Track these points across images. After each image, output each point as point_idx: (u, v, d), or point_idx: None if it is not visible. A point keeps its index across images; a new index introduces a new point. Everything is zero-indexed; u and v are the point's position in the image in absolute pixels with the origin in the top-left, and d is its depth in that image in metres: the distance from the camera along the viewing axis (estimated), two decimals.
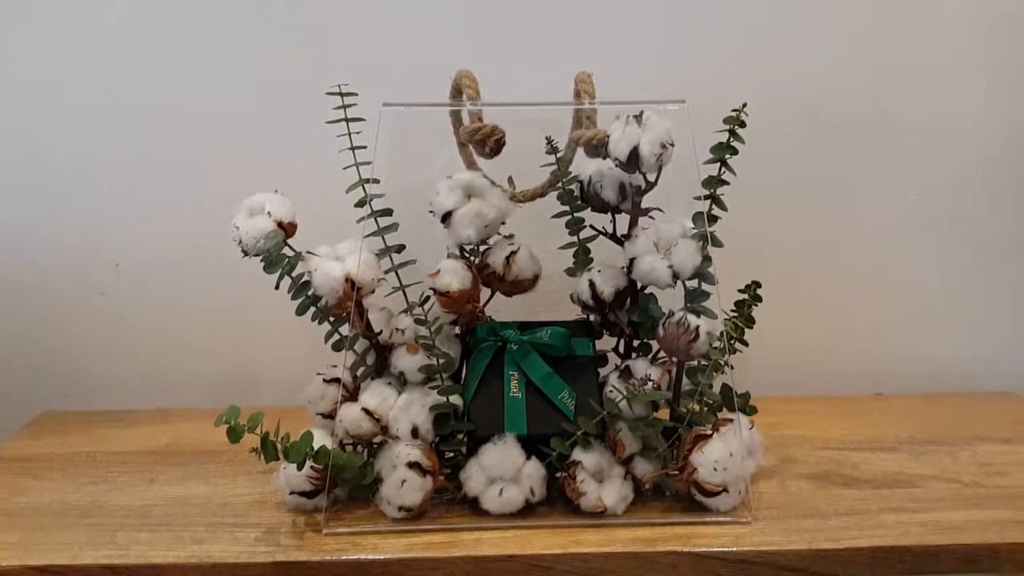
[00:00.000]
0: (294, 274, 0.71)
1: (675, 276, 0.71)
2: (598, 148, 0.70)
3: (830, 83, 0.90)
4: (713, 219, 0.73)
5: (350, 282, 0.68)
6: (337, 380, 0.75)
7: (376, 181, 0.74)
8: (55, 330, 0.95)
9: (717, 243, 0.73)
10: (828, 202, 0.94)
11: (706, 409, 0.75)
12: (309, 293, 0.72)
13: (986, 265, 0.97)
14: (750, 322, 0.78)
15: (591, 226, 0.76)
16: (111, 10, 0.87)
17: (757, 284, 0.78)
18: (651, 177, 0.71)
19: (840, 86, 0.91)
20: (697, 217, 0.72)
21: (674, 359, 0.73)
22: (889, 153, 0.94)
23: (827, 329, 0.98)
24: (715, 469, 0.69)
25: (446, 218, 0.72)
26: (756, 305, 0.78)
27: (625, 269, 0.74)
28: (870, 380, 0.98)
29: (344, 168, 0.73)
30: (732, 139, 0.71)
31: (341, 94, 0.72)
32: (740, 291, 0.78)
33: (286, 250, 0.71)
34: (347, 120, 0.73)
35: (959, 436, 0.86)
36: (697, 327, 0.71)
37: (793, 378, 0.96)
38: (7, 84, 0.89)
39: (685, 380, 0.76)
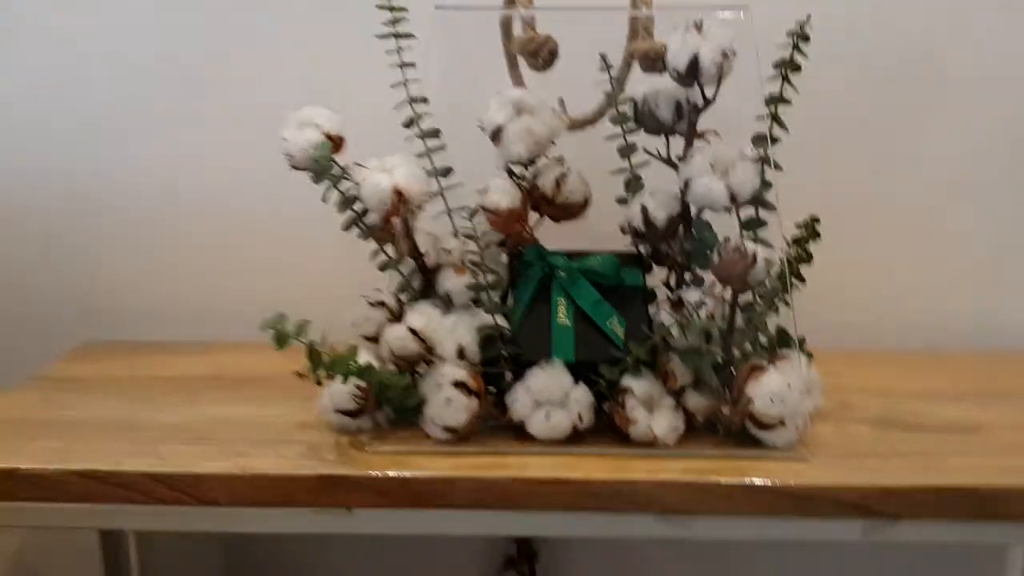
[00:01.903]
0: (342, 187, 0.70)
1: (732, 198, 0.68)
2: (655, 61, 0.67)
3: (890, 20, 0.87)
4: (774, 140, 0.70)
5: (398, 193, 0.67)
6: (382, 303, 0.73)
7: (425, 100, 0.73)
8: (98, 263, 0.95)
9: (777, 167, 0.70)
10: (885, 145, 0.90)
11: (761, 348, 0.72)
12: (356, 208, 0.71)
13: None
14: (808, 257, 0.75)
15: (644, 149, 0.73)
16: None
17: (816, 219, 0.75)
18: (710, 92, 0.68)
19: (899, 24, 0.87)
20: (757, 139, 0.69)
21: (729, 289, 0.71)
22: (950, 97, 0.90)
23: (880, 280, 0.94)
24: (772, 401, 0.66)
25: (496, 134, 0.70)
26: (814, 240, 0.75)
27: (679, 194, 0.72)
28: (924, 334, 0.94)
29: (392, 86, 0.72)
30: (796, 54, 0.68)
31: (391, 8, 0.70)
32: (798, 226, 0.75)
33: (334, 164, 0.70)
34: (396, 35, 0.71)
35: (1021, 387, 0.82)
36: (755, 252, 0.68)
37: (844, 330, 0.92)
38: (51, 13, 0.89)
39: (739, 317, 0.73)
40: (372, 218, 0.72)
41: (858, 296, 0.94)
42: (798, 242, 0.75)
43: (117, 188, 0.93)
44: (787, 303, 0.72)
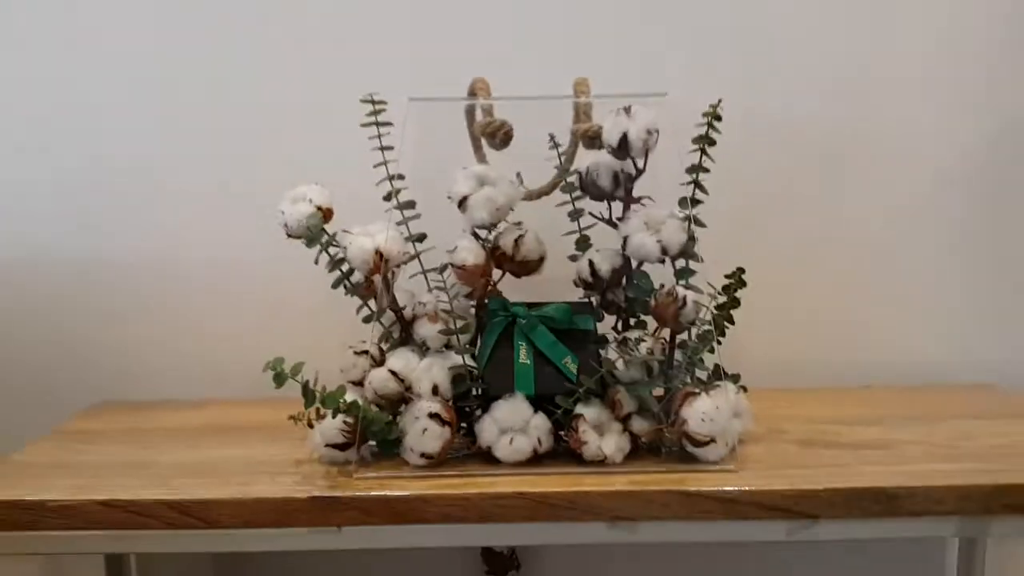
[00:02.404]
0: (330, 251, 0.82)
1: (663, 251, 0.80)
2: (594, 139, 0.80)
3: (806, 87, 1.01)
4: (696, 202, 0.83)
5: (379, 254, 0.79)
6: (366, 352, 0.84)
7: (401, 177, 0.85)
8: (105, 328, 1.05)
9: (700, 224, 0.83)
10: (809, 205, 1.03)
11: (698, 381, 0.83)
12: (343, 269, 0.82)
13: (970, 264, 1.05)
14: (735, 302, 0.87)
15: (590, 213, 0.86)
16: (159, 24, 1.00)
17: (741, 270, 0.87)
18: (640, 163, 0.81)
19: (815, 91, 1.01)
20: (682, 201, 0.82)
21: (666, 329, 0.82)
22: (867, 155, 1.03)
23: (815, 326, 1.06)
24: (703, 420, 0.76)
25: (462, 203, 0.82)
26: (741, 288, 0.87)
27: (620, 250, 0.84)
28: (858, 375, 1.06)
29: (375, 165, 0.85)
30: (710, 130, 0.82)
31: (372, 101, 0.84)
32: (727, 276, 0.87)
33: (324, 231, 0.82)
34: (377, 124, 0.84)
35: (937, 414, 0.93)
36: (684, 296, 0.79)
37: (783, 370, 1.04)
38: (66, 95, 1.02)
39: (677, 353, 0.85)
40: (357, 277, 0.83)
41: (794, 339, 1.06)
42: (727, 290, 0.87)
43: (125, 264, 1.04)
44: (719, 341, 0.84)
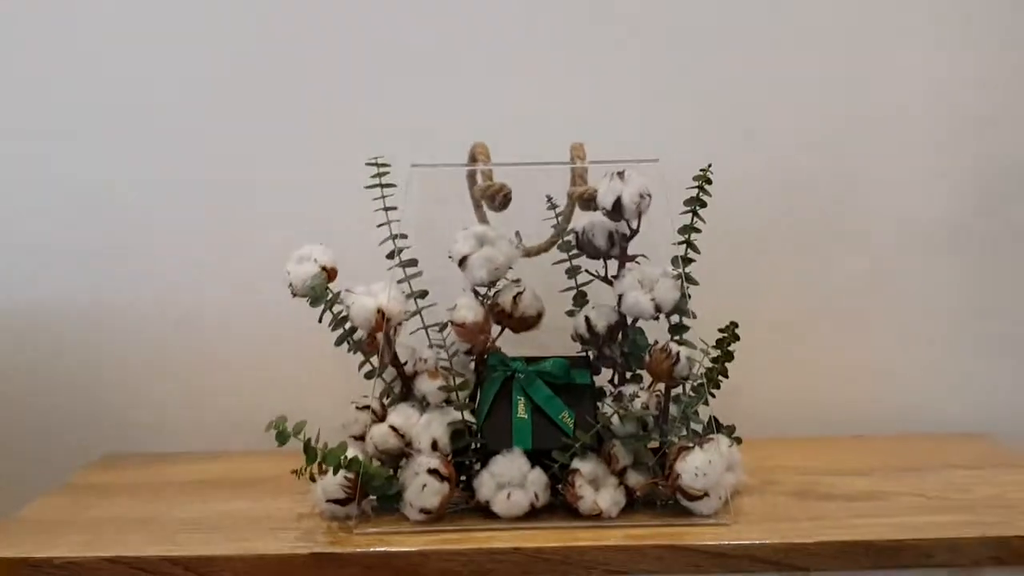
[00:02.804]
0: (334, 310, 0.84)
1: (657, 308, 0.83)
2: (589, 201, 0.83)
3: (795, 145, 1.04)
4: (688, 261, 0.85)
5: (381, 313, 0.81)
6: (368, 407, 0.86)
7: (404, 236, 0.89)
8: (115, 380, 1.07)
9: (693, 281, 0.85)
10: (801, 259, 1.06)
11: (693, 434, 0.85)
12: (346, 327, 0.85)
13: (963, 313, 1.07)
14: (729, 356, 0.89)
15: (586, 271, 0.89)
16: (168, 74, 1.03)
17: (734, 324, 0.89)
18: (633, 224, 0.84)
19: (805, 149, 1.04)
20: (674, 259, 0.85)
21: (661, 384, 0.84)
22: (859, 209, 1.06)
23: (809, 376, 1.08)
24: (696, 475, 0.78)
25: (463, 262, 0.85)
26: (735, 342, 0.89)
27: (616, 307, 0.86)
28: (850, 424, 1.07)
29: (378, 226, 0.88)
30: (701, 193, 0.85)
31: (377, 164, 0.87)
32: (720, 330, 0.89)
33: (328, 291, 0.85)
34: (381, 186, 0.87)
35: (929, 464, 0.94)
36: (678, 352, 0.82)
37: (778, 422, 1.05)
38: (70, 149, 1.05)
39: (672, 407, 0.87)
40: (360, 334, 0.86)
41: (788, 389, 1.07)
42: (721, 343, 0.89)
43: (134, 319, 1.07)
44: (712, 395, 0.86)
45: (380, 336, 0.83)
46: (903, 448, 1.00)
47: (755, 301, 1.04)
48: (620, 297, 0.84)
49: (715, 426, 0.87)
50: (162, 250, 1.06)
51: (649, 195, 0.82)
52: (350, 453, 0.79)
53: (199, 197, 1.05)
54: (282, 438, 0.75)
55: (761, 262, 1.05)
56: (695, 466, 0.78)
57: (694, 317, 0.85)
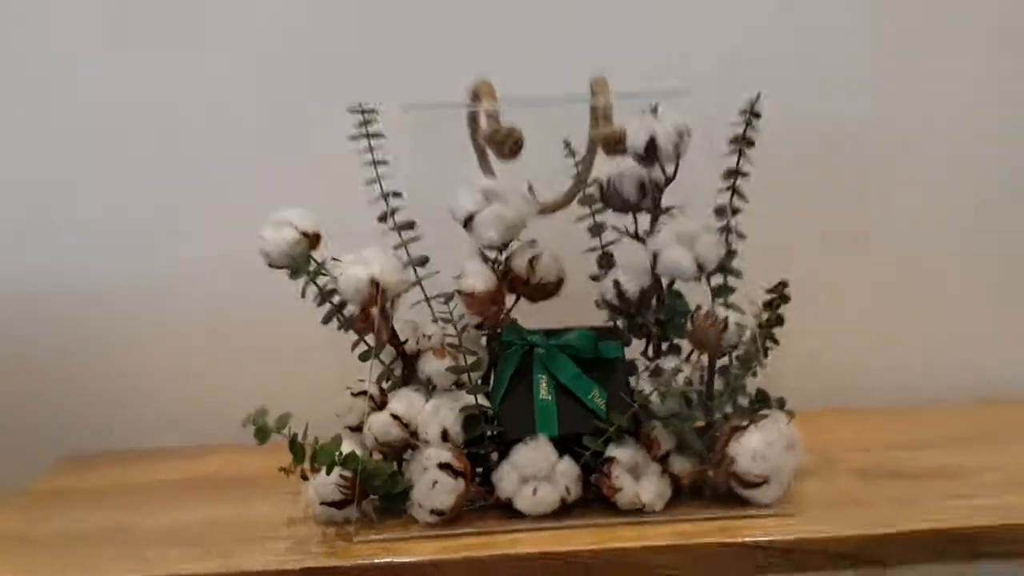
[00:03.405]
0: (319, 282, 0.72)
1: (700, 267, 0.71)
2: (616, 144, 0.71)
3: (846, 82, 0.92)
4: (735, 211, 0.73)
5: (375, 283, 0.69)
6: (365, 392, 0.74)
7: (398, 194, 0.76)
8: (81, 371, 0.95)
9: (740, 235, 0.73)
10: (852, 208, 0.94)
11: (741, 410, 0.74)
12: (334, 301, 0.73)
13: None
14: (779, 320, 0.77)
15: (613, 227, 0.77)
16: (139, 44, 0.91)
17: (784, 284, 0.78)
18: (669, 169, 0.72)
19: (857, 87, 0.92)
20: (719, 210, 0.73)
21: (704, 355, 0.72)
22: (914, 155, 0.94)
23: (862, 338, 0.96)
24: (754, 459, 0.67)
25: (468, 221, 0.73)
26: (785, 304, 0.78)
27: (649, 267, 0.74)
28: (908, 389, 0.96)
29: (367, 183, 0.75)
30: (749, 129, 0.72)
31: (362, 111, 0.74)
32: (768, 291, 0.78)
33: (311, 260, 0.73)
34: (368, 136, 0.75)
35: (1008, 434, 0.83)
36: (726, 318, 0.70)
37: (830, 389, 0.94)
38: (35, 130, 0.93)
39: (717, 380, 0.75)
40: (351, 310, 0.74)
41: (838, 352, 0.96)
42: (769, 306, 0.77)
43: (98, 294, 0.94)
44: (763, 364, 0.74)
45: (375, 311, 0.71)
46: (971, 417, 0.89)
47: (803, 258, 0.92)
48: (655, 256, 0.72)
49: (765, 400, 0.76)
50: (124, 221, 0.94)
51: (689, 133, 0.70)
52: (346, 448, 0.68)
53: (161, 162, 0.93)
54: (262, 435, 0.63)
55: (808, 209, 0.93)
56: (752, 448, 0.67)
57: (740, 276, 0.74)
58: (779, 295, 0.78)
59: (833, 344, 0.96)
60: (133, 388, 0.95)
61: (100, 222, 0.94)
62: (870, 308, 0.96)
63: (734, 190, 0.73)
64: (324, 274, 0.72)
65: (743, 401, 0.74)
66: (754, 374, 0.75)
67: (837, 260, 0.94)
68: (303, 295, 0.72)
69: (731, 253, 0.73)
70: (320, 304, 0.73)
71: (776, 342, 0.77)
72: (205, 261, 0.93)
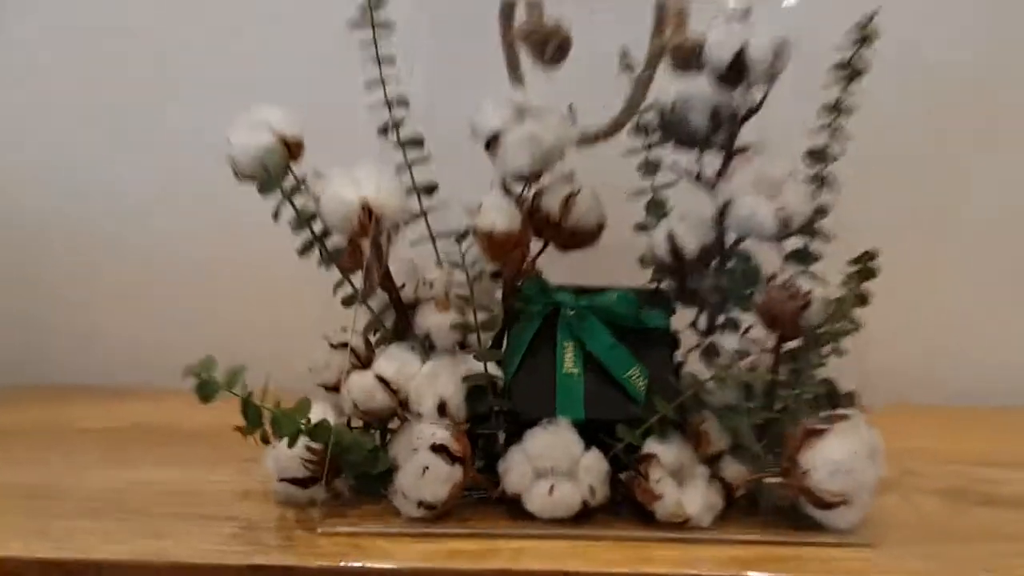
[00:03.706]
0: (297, 202, 0.57)
1: (783, 224, 0.55)
2: (690, 57, 0.55)
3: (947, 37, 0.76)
4: (832, 157, 0.58)
5: (368, 211, 0.54)
6: (347, 345, 0.60)
7: (405, 103, 0.61)
8: (28, 293, 0.82)
9: (835, 188, 0.58)
10: (950, 171, 0.78)
11: (806, 405, 0.59)
12: (315, 228, 0.58)
13: None
14: (863, 299, 0.62)
15: (672, 166, 0.61)
16: None
17: (871, 255, 0.63)
18: (756, 95, 0.56)
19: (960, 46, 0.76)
20: (813, 154, 0.57)
21: (775, 335, 0.58)
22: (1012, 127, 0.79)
23: (947, 325, 0.82)
24: (835, 473, 0.52)
25: (492, 142, 0.57)
26: (870, 279, 0.63)
27: (714, 219, 0.59)
28: (986, 390, 0.82)
29: (367, 84, 0.60)
30: (857, 56, 0.57)
31: None
32: (850, 262, 0.63)
33: (289, 173, 0.57)
34: (373, 25, 0.59)
35: None
36: (809, 291, 0.55)
37: (902, 383, 0.79)
38: None
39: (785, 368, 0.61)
40: (336, 241, 0.59)
41: (919, 343, 0.81)
42: (852, 279, 0.62)
43: (49, 207, 0.81)
44: (839, 351, 0.60)
45: (365, 244, 0.56)
46: None
47: (885, 219, 0.76)
48: (725, 205, 0.57)
49: (837, 396, 0.61)
50: (61, 131, 0.78)
51: (789, 50, 0.54)
52: (316, 413, 0.54)
53: (113, 61, 0.77)
54: (205, 391, 0.49)
55: (897, 169, 0.78)
56: (833, 460, 0.52)
57: (830, 241, 0.59)
58: (863, 267, 0.63)
59: (912, 329, 0.81)
60: (81, 318, 0.82)
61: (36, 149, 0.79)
62: (960, 291, 0.81)
63: (833, 130, 0.58)
64: (304, 193, 0.57)
65: (814, 396, 0.59)
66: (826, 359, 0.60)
67: (927, 234, 0.79)
68: (275, 217, 0.57)
69: (820, 211, 0.57)
70: (297, 230, 0.57)
71: (857, 325, 0.62)
72: (164, 169, 0.79)
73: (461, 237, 0.56)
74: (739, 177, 0.56)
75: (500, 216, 0.57)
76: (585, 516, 0.54)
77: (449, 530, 0.53)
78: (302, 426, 0.52)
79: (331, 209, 0.55)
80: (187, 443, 0.67)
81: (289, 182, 0.57)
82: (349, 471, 0.56)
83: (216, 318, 0.80)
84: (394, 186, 0.56)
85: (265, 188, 0.56)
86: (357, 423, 0.59)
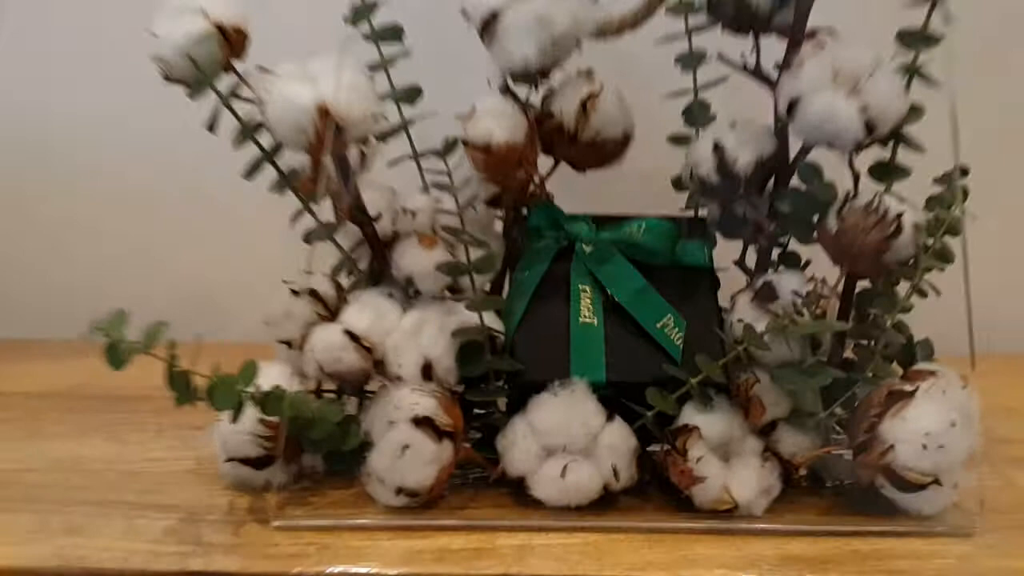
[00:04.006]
0: (239, 109, 0.44)
1: (869, 127, 0.43)
2: None
3: None
4: (933, 39, 0.45)
5: (326, 116, 0.41)
6: (312, 292, 0.49)
7: None
8: None
9: (931, 82, 0.45)
10: None
11: (884, 362, 0.48)
12: (263, 143, 0.45)
13: None
14: (953, 226, 0.50)
15: (720, 56, 0.48)
16: None
17: (964, 170, 0.50)
18: None
19: None
20: (905, 36, 0.44)
21: (851, 272, 0.46)
22: None
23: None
24: (926, 448, 0.41)
25: (488, 25, 0.44)
26: (961, 203, 0.50)
27: (775, 125, 0.47)
28: None
29: None
30: None
31: None
32: (936, 180, 0.50)
33: (230, 69, 0.45)
34: None
35: None
36: (900, 215, 0.43)
37: (981, 330, 0.68)
38: None
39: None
40: (290, 158, 0.47)
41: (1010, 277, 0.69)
42: (937, 203, 0.50)
43: None
44: (923, 292, 0.48)
45: (328, 162, 0.44)
46: None
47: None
48: (791, 104, 0.44)
49: (913, 348, 0.50)
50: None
51: None
52: (266, 380, 0.43)
53: None
54: (115, 355, 0.37)
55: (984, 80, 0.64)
56: (924, 432, 0.41)
57: (923, 151, 0.46)
58: (953, 189, 0.50)
59: (1003, 262, 0.68)
60: (11, 264, 0.71)
61: None
62: None
63: (934, 4, 0.44)
64: (246, 98, 0.45)
65: (895, 349, 0.48)
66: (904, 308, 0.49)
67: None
68: (211, 128, 0.45)
69: (914, 110, 0.45)
70: (239, 144, 0.45)
71: (947, 260, 0.50)
72: (89, 96, 0.66)
73: (445, 150, 0.43)
74: (812, 67, 0.43)
75: (499, 124, 0.45)
76: (607, 503, 0.43)
77: (436, 522, 0.42)
78: (244, 395, 0.40)
79: (279, 116, 0.42)
80: (119, 409, 0.56)
81: (226, 81, 0.44)
82: (313, 448, 0.45)
83: (157, 260, 0.68)
84: (362, 85, 0.43)
85: (196, 89, 0.43)
86: (323, 393, 0.48)
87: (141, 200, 0.69)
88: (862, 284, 0.50)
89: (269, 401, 0.42)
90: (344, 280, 0.50)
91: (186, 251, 0.69)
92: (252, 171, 0.46)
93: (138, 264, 0.70)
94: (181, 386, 0.39)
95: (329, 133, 0.41)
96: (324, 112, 0.41)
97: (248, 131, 0.44)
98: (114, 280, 0.69)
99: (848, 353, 0.50)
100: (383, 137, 0.49)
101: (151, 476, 0.48)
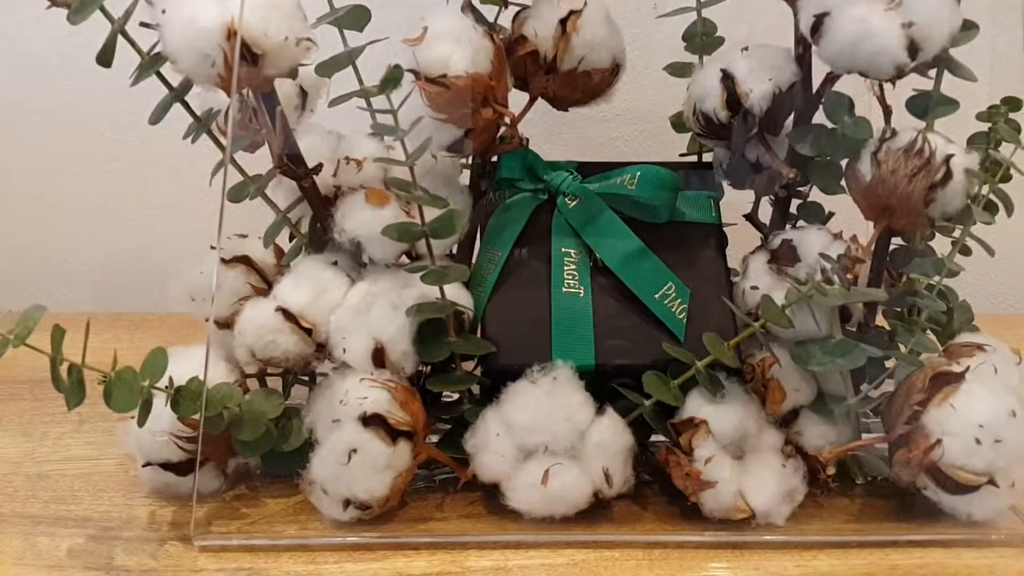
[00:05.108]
0: (135, 39, 0.36)
1: (912, 50, 0.35)
2: None
3: None
4: None
5: (233, 36, 0.33)
6: (244, 259, 0.41)
7: None
8: None
9: None
10: None
11: (919, 328, 0.40)
12: (171, 81, 0.37)
13: None
14: (1003, 174, 0.42)
15: None
16: None
17: (1015, 103, 0.42)
18: None
19: None
20: None
21: (889, 226, 0.38)
22: None
23: None
24: (979, 442, 0.34)
25: None
26: (1011, 143, 0.42)
27: (794, 49, 0.38)
28: None
29: None
30: None
31: None
32: (979, 116, 0.42)
33: None
34: None
35: None
36: (948, 156, 0.35)
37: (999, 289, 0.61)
38: None
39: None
40: (212, 103, 0.38)
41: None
42: (979, 140, 0.42)
43: None
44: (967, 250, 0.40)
45: (250, 99, 0.36)
46: None
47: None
48: (817, 22, 0.36)
49: (950, 313, 0.42)
50: None
51: None
52: (187, 368, 0.35)
53: None
54: None
55: None
56: (978, 423, 0.34)
57: (974, 80, 0.38)
58: (994, 128, 0.42)
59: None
60: None
61: None
62: None
63: None
64: (145, 24, 0.36)
65: (939, 321, 0.40)
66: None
67: None
68: (103, 61, 0.36)
69: (970, 26, 0.36)
70: (136, 81, 0.37)
71: (995, 210, 0.42)
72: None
73: (386, 84, 0.35)
74: None
75: (458, 50, 0.36)
76: (597, 514, 0.36)
77: (393, 539, 0.35)
78: (144, 392, 0.33)
79: (180, 44, 0.34)
80: (25, 398, 0.48)
81: (126, 2, 0.36)
82: (246, 452, 0.38)
83: (65, 222, 0.60)
84: (283, 2, 0.35)
85: (78, 11, 0.35)
86: (255, 383, 0.40)
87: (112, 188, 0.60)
88: (895, 242, 0.43)
89: (183, 398, 0.34)
90: (280, 244, 0.42)
91: (121, 211, 0.61)
92: (160, 114, 0.37)
93: (43, 232, 0.61)
94: (69, 387, 0.31)
95: (243, 64, 0.33)
96: (234, 37, 0.33)
97: (147, 63, 0.36)
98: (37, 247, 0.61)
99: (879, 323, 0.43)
100: (326, 71, 0.40)
101: (63, 481, 0.41)
